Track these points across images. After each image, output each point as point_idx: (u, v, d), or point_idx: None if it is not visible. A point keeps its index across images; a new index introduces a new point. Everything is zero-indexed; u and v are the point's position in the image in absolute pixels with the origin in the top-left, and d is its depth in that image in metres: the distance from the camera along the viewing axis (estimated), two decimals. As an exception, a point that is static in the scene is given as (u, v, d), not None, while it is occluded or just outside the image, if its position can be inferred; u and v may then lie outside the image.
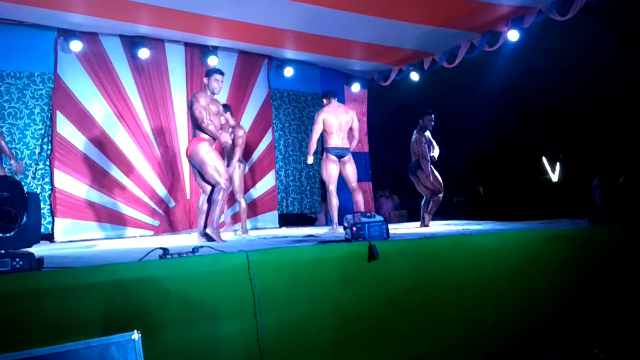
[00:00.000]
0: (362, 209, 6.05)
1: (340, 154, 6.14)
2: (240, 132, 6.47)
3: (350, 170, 6.20)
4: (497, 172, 8.61)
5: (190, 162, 5.28)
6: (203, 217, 5.22)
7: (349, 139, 6.27)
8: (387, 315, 3.55)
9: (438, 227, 6.31)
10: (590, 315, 4.28)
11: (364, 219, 3.72)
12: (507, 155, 8.27)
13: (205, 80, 5.28)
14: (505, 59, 7.42)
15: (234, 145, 6.35)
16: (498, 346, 3.96)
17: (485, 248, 4.17)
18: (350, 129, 6.25)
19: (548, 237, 4.50)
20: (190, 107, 5.18)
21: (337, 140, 6.11)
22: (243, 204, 6.66)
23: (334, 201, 6.16)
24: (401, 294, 3.64)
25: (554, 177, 9.32)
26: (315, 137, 6.20)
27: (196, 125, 5.16)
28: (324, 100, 6.37)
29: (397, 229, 6.24)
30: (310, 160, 6.30)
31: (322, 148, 6.38)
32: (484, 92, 7.99)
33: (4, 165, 6.49)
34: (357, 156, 9.18)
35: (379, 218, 3.80)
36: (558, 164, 9.24)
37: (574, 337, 4.15)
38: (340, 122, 6.12)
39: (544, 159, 9.25)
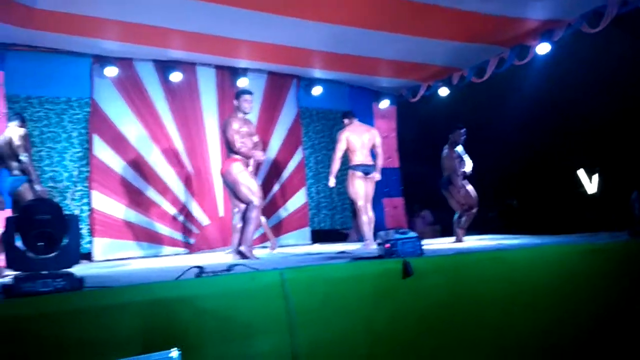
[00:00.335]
0: (370, 229, 6.18)
1: (366, 170, 6.28)
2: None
3: (370, 188, 6.32)
4: (532, 186, 8.47)
5: (224, 181, 5.39)
6: (237, 235, 5.29)
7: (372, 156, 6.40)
8: (422, 332, 3.51)
9: (473, 242, 6.22)
10: (630, 332, 4.15)
11: (397, 236, 3.71)
12: (541, 169, 8.13)
13: (235, 102, 5.40)
14: (535, 72, 7.33)
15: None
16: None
17: (521, 263, 4.09)
18: (374, 146, 6.38)
19: (586, 251, 4.39)
20: (224, 132, 5.32)
21: (361, 157, 6.27)
22: (263, 220, 6.66)
23: (364, 217, 6.25)
24: (436, 310, 3.59)
25: (592, 189, 9.10)
26: (338, 154, 6.33)
27: (229, 148, 5.27)
28: (345, 121, 6.54)
29: (431, 244, 6.19)
30: (332, 182, 6.36)
31: (348, 166, 6.45)
32: (515, 106, 7.90)
33: (44, 187, 6.70)
34: (388, 172, 9.18)
35: (412, 234, 3.78)
36: (595, 176, 9.03)
37: (613, 355, 4.02)
38: (362, 140, 6.30)
39: (581, 171, 9.05)
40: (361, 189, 6.24)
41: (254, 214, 5.14)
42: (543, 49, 6.81)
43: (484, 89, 7.88)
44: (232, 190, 5.30)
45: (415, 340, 3.47)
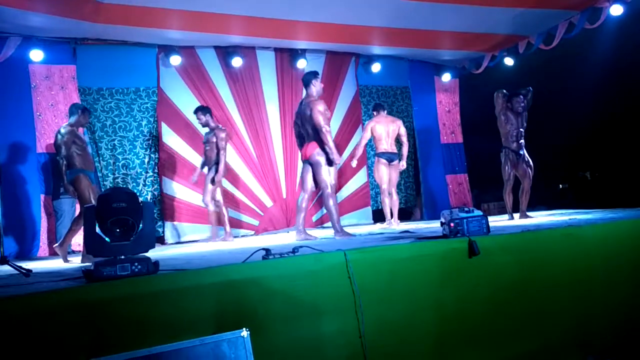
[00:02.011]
0: (395, 211, 6.95)
1: (390, 157, 6.92)
2: (222, 134, 6.47)
3: (394, 175, 6.99)
4: (606, 157, 8.05)
5: (308, 162, 5.42)
6: (302, 215, 5.41)
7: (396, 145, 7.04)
8: (490, 312, 3.46)
9: (542, 218, 6.02)
10: None
11: (462, 214, 3.65)
12: (616, 138, 7.70)
13: (314, 83, 5.40)
14: (608, 36, 6.90)
15: (218, 148, 6.43)
16: (611, 341, 3.73)
17: (595, 240, 3.93)
18: (399, 135, 6.98)
19: (666, 226, 4.15)
20: (310, 114, 5.29)
21: (385, 145, 6.95)
22: (223, 210, 6.58)
23: (386, 200, 7.06)
24: (505, 290, 3.53)
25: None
26: (363, 142, 7.13)
27: (315, 130, 5.30)
28: (374, 113, 7.17)
29: (498, 221, 6.04)
30: (354, 163, 7.02)
31: (375, 153, 7.14)
32: (586, 73, 7.49)
33: (118, 174, 7.04)
34: (451, 147, 9.01)
35: (478, 212, 3.71)
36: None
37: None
38: (387, 130, 6.93)
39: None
40: (385, 174, 6.92)
41: (332, 197, 5.34)
42: (616, 10, 6.41)
43: (553, 56, 7.51)
44: (314, 172, 5.36)
45: (483, 320, 3.43)
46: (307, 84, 5.43)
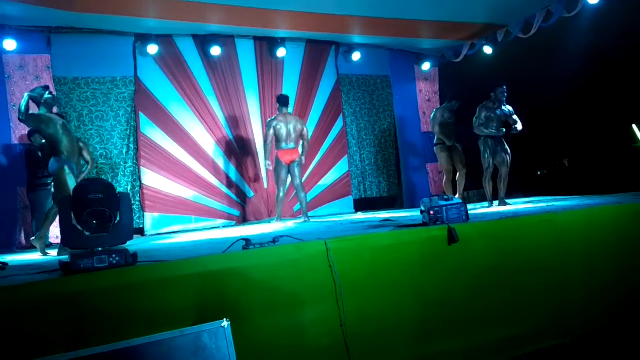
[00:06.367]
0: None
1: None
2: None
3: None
4: (584, 144, 8.16)
5: (294, 163, 6.57)
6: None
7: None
8: (470, 298, 3.50)
9: (520, 205, 6.09)
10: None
11: (441, 202, 3.67)
12: (594, 126, 7.80)
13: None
14: (585, 24, 6.97)
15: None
16: (589, 326, 3.81)
17: (573, 225, 3.99)
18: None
19: (642, 211, 4.23)
20: (302, 129, 6.61)
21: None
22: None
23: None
24: (484, 276, 3.57)
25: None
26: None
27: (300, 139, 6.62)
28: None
29: (478, 209, 6.10)
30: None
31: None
32: (564, 61, 7.55)
33: (96, 164, 6.93)
34: (431, 136, 9.03)
35: (457, 200, 3.74)
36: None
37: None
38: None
39: (635, 127, 8.65)
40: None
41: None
42: (593, -3, 6.46)
43: (532, 45, 7.55)
44: (298, 171, 6.58)
45: (463, 307, 3.46)
46: (288, 103, 6.61)
